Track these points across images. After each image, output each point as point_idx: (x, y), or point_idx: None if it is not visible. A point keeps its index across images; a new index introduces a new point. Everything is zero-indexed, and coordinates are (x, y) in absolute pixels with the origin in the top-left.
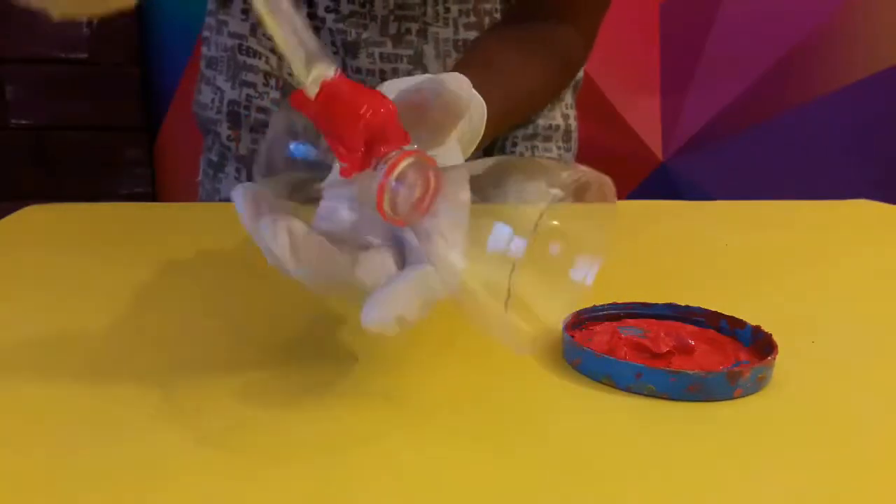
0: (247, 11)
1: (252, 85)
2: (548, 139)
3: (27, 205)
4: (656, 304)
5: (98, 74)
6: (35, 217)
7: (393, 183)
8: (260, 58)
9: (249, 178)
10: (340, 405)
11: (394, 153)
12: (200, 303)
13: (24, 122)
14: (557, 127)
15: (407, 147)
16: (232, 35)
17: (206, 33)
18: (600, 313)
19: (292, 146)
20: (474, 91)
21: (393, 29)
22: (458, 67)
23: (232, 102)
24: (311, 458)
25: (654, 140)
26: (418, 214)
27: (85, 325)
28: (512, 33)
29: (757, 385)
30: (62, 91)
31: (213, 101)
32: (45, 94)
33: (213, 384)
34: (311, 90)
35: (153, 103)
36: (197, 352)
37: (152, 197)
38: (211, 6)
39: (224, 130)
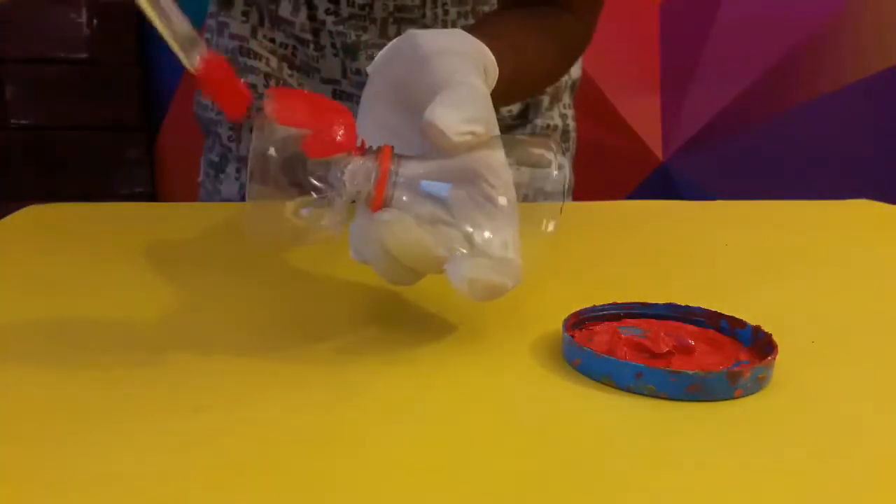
0: (247, 14)
1: (253, 86)
2: None
3: (27, 205)
4: (656, 304)
5: (98, 74)
6: (35, 217)
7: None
8: (261, 59)
9: None
10: (340, 404)
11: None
12: (200, 302)
13: (24, 122)
14: (556, 127)
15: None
16: (233, 37)
17: (207, 35)
18: (600, 313)
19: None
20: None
21: (392, 31)
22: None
23: None
24: (310, 457)
25: (654, 140)
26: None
27: (84, 324)
28: (520, 14)
29: (757, 385)
30: (62, 91)
31: (213, 102)
32: (45, 94)
33: (212, 383)
34: (193, 65)
35: (153, 103)
36: (197, 351)
37: (152, 197)
38: (212, 8)
39: (225, 131)
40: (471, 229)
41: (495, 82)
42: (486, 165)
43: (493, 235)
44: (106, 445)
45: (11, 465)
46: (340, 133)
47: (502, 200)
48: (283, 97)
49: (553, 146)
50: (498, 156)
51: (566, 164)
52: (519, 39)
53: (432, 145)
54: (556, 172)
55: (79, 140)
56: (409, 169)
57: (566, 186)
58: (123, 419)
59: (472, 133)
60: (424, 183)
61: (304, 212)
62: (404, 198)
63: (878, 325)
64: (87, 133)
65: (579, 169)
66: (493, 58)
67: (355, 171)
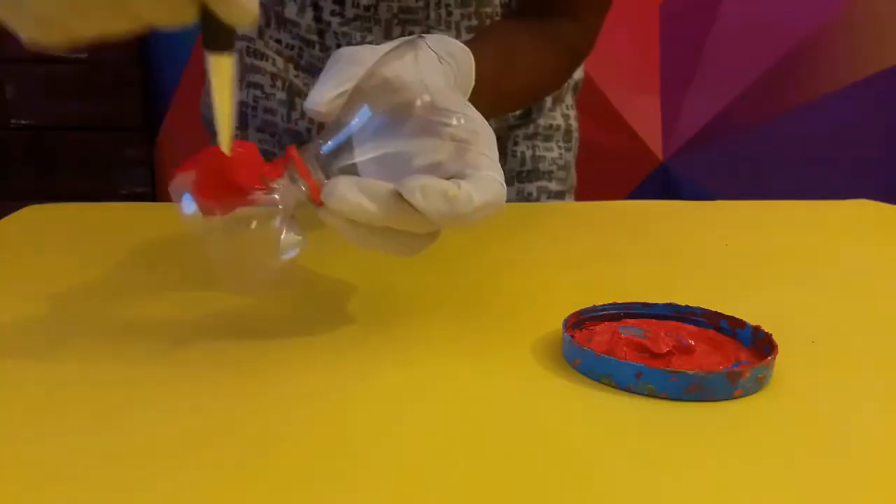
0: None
1: (259, 86)
2: (548, 139)
3: (27, 205)
4: (656, 304)
5: (98, 74)
6: (35, 217)
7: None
8: (267, 60)
9: None
10: (340, 405)
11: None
12: (200, 302)
13: (24, 122)
14: (558, 127)
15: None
16: (239, 38)
17: None
18: (600, 313)
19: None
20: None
21: (396, 32)
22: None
23: (239, 103)
24: (310, 457)
25: (654, 140)
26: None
27: (84, 324)
28: (518, 22)
29: (757, 385)
30: (62, 91)
31: None
32: (45, 94)
33: (211, 384)
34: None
35: (153, 103)
36: (197, 351)
37: (152, 197)
38: None
39: None
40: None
41: (473, 71)
42: (400, 85)
43: (455, 153)
44: (106, 445)
45: (11, 465)
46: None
47: (420, 105)
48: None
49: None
50: (399, 68)
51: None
52: (509, 43)
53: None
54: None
55: (79, 140)
56: (326, 146)
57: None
58: (123, 419)
59: (342, 93)
60: (333, 145)
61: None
62: (338, 171)
63: (878, 325)
64: (87, 133)
65: (580, 169)
66: (461, 45)
67: (280, 185)
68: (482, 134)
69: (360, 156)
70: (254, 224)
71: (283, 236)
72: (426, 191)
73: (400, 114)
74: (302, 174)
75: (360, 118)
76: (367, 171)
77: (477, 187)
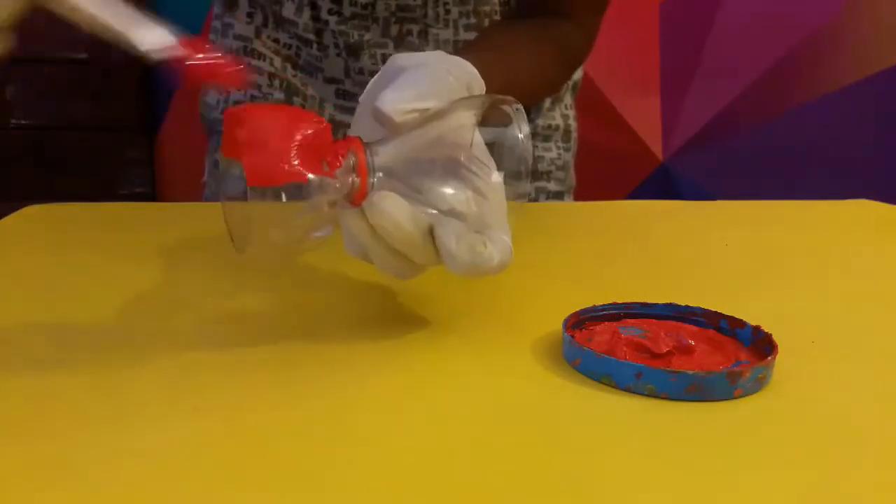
0: (252, 15)
1: (257, 86)
2: (547, 139)
3: (27, 205)
4: (656, 304)
5: (98, 74)
6: (35, 217)
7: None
8: (265, 59)
9: None
10: (340, 404)
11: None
12: (200, 302)
13: (24, 122)
14: (557, 127)
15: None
16: (237, 38)
17: (211, 36)
18: (600, 313)
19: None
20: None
21: (394, 31)
22: (463, 53)
23: (238, 103)
24: (311, 458)
25: (654, 140)
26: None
27: (84, 324)
28: (517, 24)
29: (757, 385)
30: (62, 91)
31: (218, 102)
32: (45, 94)
33: (212, 385)
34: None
35: (153, 103)
36: (196, 352)
37: (152, 197)
38: (217, 10)
39: None
40: (448, 205)
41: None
42: (449, 131)
43: (477, 209)
44: (106, 445)
45: (11, 465)
46: (293, 158)
47: (469, 162)
48: (240, 122)
49: (514, 102)
50: (458, 118)
51: (527, 128)
52: (513, 52)
53: (386, 130)
54: (521, 136)
55: (79, 140)
56: (382, 154)
57: (531, 153)
58: (123, 419)
59: (419, 110)
60: (395, 164)
61: (297, 217)
62: (383, 180)
63: (878, 325)
64: (87, 133)
65: (580, 169)
66: (475, 71)
67: (337, 174)
68: (500, 198)
69: (396, 183)
70: (284, 197)
71: (314, 219)
72: (460, 239)
73: (444, 161)
74: (361, 174)
75: (411, 147)
76: None
77: (496, 248)
